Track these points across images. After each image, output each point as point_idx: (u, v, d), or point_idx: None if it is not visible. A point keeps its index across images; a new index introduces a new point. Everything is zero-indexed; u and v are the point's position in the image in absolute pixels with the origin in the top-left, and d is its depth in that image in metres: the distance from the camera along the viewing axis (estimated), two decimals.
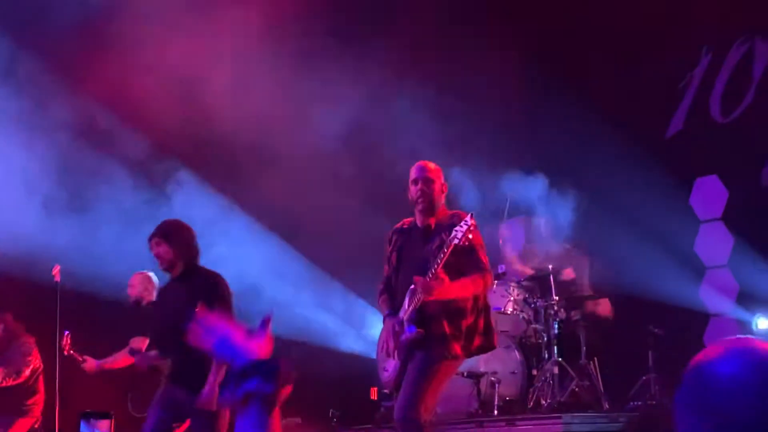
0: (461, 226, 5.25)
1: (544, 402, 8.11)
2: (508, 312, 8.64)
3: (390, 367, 5.60)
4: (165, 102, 9.64)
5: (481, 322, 5.56)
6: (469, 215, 5.36)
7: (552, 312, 8.43)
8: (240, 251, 9.60)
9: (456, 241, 5.20)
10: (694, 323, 9.29)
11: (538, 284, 8.89)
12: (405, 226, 5.84)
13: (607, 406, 8.11)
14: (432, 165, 5.76)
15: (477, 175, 9.20)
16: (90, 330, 8.61)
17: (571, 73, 10.30)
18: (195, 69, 9.83)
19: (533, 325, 8.62)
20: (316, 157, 10.04)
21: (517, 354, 8.53)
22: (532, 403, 8.19)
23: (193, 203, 9.76)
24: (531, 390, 8.31)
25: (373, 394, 9.46)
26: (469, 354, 5.60)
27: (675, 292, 9.28)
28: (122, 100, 9.89)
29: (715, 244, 9.44)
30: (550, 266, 8.76)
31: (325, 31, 10.11)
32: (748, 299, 9.07)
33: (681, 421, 1.74)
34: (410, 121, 9.75)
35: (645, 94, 9.96)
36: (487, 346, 5.67)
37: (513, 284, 8.80)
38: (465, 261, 5.39)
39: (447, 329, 5.42)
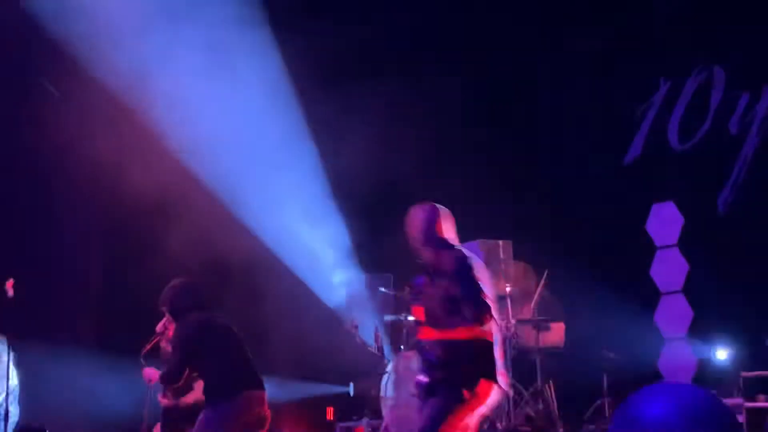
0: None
1: (499, 425, 8.09)
2: None
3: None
4: None
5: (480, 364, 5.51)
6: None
7: (508, 335, 8.42)
8: None
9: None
10: (648, 348, 9.34)
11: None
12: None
13: (562, 430, 8.11)
14: (412, 213, 5.33)
15: None
16: None
17: (525, 98, 10.36)
18: None
19: None
20: None
21: None
22: (487, 426, 8.16)
23: None
24: None
25: (330, 414, 9.40)
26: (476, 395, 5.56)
27: (630, 316, 9.33)
28: None
29: (670, 270, 9.51)
30: (508, 289, 8.75)
31: None
32: (703, 325, 9.15)
33: None
34: None
35: (604, 121, 10.03)
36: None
37: None
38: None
39: (452, 376, 5.38)
